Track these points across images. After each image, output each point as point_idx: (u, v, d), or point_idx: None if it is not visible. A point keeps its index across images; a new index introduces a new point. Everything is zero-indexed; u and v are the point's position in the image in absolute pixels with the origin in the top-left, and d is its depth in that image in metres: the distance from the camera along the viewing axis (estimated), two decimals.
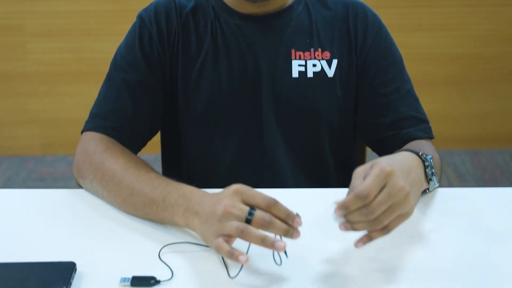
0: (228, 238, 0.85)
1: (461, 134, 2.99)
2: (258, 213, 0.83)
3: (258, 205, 0.85)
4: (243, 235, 0.83)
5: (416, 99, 1.23)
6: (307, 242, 0.89)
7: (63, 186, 2.71)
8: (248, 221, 0.84)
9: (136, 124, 1.18)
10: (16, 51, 2.83)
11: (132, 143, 1.16)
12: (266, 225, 0.83)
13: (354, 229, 0.86)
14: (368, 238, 0.86)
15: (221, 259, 0.90)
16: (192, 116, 1.22)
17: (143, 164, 1.06)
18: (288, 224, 0.84)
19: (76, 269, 0.86)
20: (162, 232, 0.97)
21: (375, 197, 0.83)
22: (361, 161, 1.43)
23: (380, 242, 0.90)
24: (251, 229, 0.83)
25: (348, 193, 0.87)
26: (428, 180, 0.99)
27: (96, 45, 2.80)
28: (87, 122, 1.17)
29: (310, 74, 1.19)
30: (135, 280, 0.85)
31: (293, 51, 1.19)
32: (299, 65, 1.19)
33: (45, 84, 2.88)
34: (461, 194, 1.11)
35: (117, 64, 1.20)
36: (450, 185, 2.70)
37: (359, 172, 0.89)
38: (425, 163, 0.98)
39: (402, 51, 1.26)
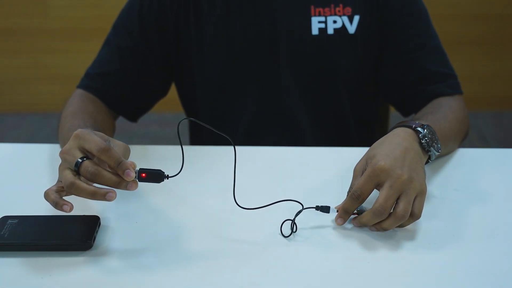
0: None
1: (484, 95, 2.95)
2: (84, 164, 0.79)
3: (91, 152, 0.80)
4: (72, 190, 0.79)
5: (443, 54, 1.19)
6: (326, 199, 0.89)
7: None
8: (78, 169, 0.80)
9: (122, 89, 1.18)
10: (37, 7, 2.83)
11: (119, 107, 1.18)
12: (91, 177, 0.79)
13: (381, 229, 0.85)
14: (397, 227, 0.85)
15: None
16: (208, 81, 1.21)
17: (85, 117, 1.05)
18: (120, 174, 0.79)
19: (100, 223, 0.87)
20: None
21: (383, 198, 0.82)
22: (384, 120, 1.40)
23: None
24: (79, 184, 0.79)
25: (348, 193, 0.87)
26: (427, 151, 0.94)
27: (117, 2, 2.78)
28: (81, 79, 1.19)
29: (330, 31, 1.16)
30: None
31: (312, 7, 1.16)
32: (319, 22, 1.16)
33: (65, 41, 2.88)
34: (483, 155, 1.10)
35: (115, 28, 1.21)
36: (472, 146, 2.67)
37: (357, 170, 0.89)
38: (419, 135, 0.93)
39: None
